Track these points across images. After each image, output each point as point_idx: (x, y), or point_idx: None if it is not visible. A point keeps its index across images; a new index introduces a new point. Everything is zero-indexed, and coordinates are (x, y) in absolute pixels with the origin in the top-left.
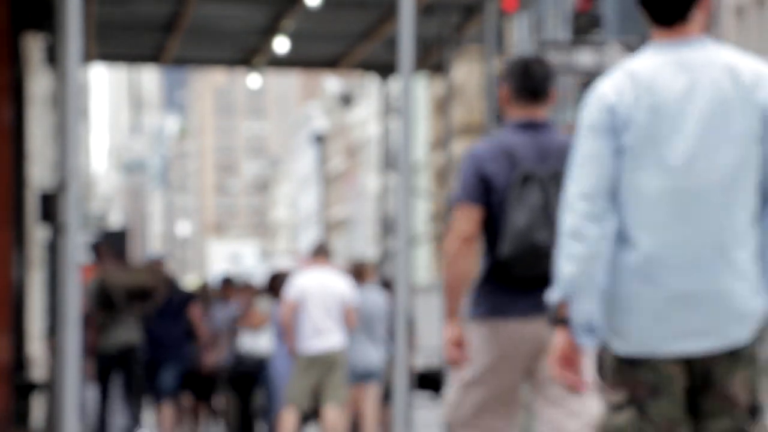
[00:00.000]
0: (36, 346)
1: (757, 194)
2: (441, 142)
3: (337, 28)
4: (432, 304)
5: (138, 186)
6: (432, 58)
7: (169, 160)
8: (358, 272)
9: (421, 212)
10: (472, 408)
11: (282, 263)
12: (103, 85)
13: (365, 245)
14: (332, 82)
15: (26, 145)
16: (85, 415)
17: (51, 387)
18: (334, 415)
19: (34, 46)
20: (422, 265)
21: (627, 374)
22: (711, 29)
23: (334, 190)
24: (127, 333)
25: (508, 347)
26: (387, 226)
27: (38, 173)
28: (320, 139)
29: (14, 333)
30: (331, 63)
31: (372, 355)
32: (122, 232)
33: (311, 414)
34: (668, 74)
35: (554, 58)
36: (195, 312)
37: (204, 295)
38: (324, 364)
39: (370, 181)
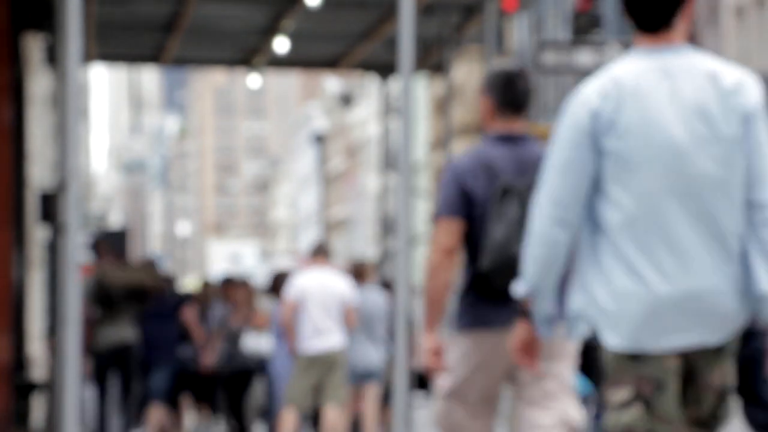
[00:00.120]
0: (36, 346)
1: (742, 194)
2: (441, 142)
3: (337, 28)
4: None
5: (138, 186)
6: (432, 58)
7: (169, 160)
8: (358, 272)
9: (421, 212)
10: (460, 416)
11: (282, 263)
12: (103, 85)
13: (365, 245)
14: (332, 82)
15: (26, 145)
16: (84, 415)
17: (51, 387)
18: (334, 415)
19: (34, 46)
20: (422, 265)
21: (630, 370)
22: (711, 29)
23: (334, 190)
24: (123, 332)
25: (490, 357)
26: (387, 226)
27: (38, 173)
28: (320, 139)
29: (14, 333)
30: (331, 63)
31: (372, 355)
32: (122, 232)
33: (312, 414)
34: (652, 79)
35: (554, 58)
36: (188, 313)
37: (205, 295)
38: (324, 364)
39: (370, 181)
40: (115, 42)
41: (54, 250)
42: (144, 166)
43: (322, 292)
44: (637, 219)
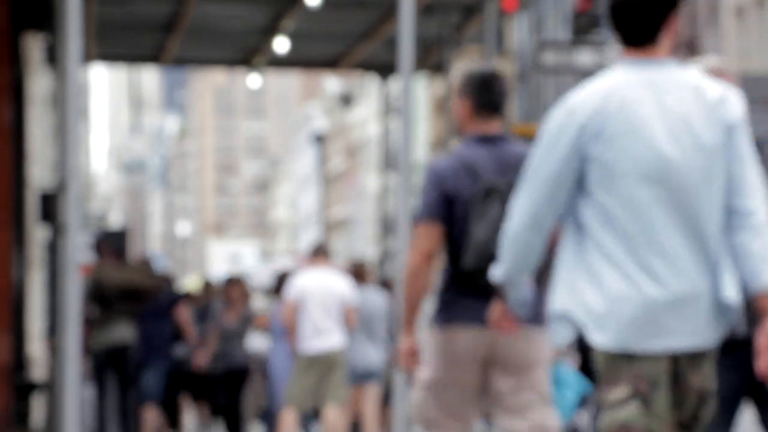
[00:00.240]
0: (36, 346)
1: (722, 202)
2: (441, 142)
3: (337, 28)
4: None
5: (138, 186)
6: (432, 58)
7: (169, 160)
8: (358, 272)
9: None
10: (436, 408)
11: (282, 263)
12: (103, 85)
13: (365, 245)
14: (332, 82)
15: (26, 145)
16: (83, 415)
17: (51, 387)
18: (334, 415)
19: (34, 46)
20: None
21: (625, 369)
22: (711, 29)
23: (334, 190)
24: (120, 332)
25: (466, 352)
26: (387, 226)
27: (38, 173)
28: (320, 139)
29: (14, 333)
30: (331, 63)
31: (372, 355)
32: (122, 232)
33: (312, 414)
34: (639, 91)
35: (554, 58)
36: (182, 312)
37: (206, 295)
38: (324, 364)
39: (370, 181)
40: (115, 42)
41: (54, 250)
42: (144, 166)
43: (322, 292)
44: (624, 225)
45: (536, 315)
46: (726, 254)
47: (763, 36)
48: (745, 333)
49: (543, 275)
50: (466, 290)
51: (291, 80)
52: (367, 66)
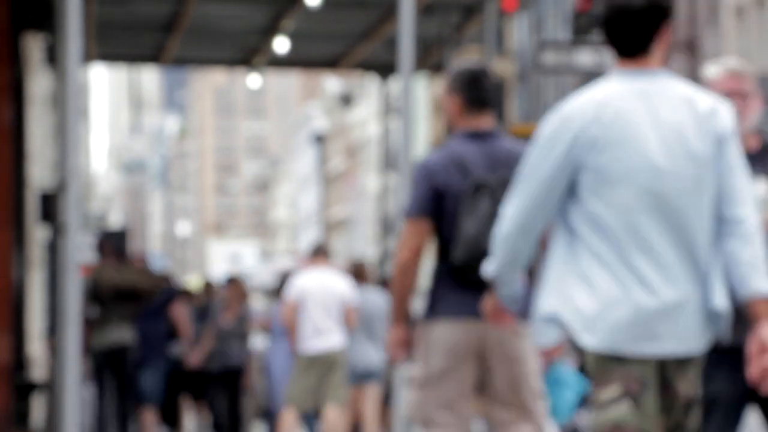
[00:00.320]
0: (36, 346)
1: (712, 211)
2: (441, 142)
3: (337, 28)
4: None
5: (138, 186)
6: (432, 58)
7: (169, 160)
8: (358, 272)
9: None
10: (434, 405)
11: (282, 263)
12: (103, 85)
13: (365, 245)
14: (332, 82)
15: (26, 145)
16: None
17: (51, 387)
18: (334, 415)
19: (34, 46)
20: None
21: (616, 369)
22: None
23: (334, 190)
24: (119, 333)
25: (459, 345)
26: (387, 226)
27: (38, 173)
28: (320, 139)
29: (14, 333)
30: (331, 63)
31: (372, 355)
32: (122, 231)
33: (314, 414)
34: (632, 101)
35: (554, 58)
36: (177, 309)
37: (207, 295)
38: (324, 364)
39: (370, 181)
40: (115, 42)
41: (54, 250)
42: (144, 166)
43: (322, 293)
44: (615, 232)
45: (527, 310)
46: (716, 262)
47: (763, 36)
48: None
49: (534, 272)
50: (457, 284)
51: (291, 80)
52: (367, 66)
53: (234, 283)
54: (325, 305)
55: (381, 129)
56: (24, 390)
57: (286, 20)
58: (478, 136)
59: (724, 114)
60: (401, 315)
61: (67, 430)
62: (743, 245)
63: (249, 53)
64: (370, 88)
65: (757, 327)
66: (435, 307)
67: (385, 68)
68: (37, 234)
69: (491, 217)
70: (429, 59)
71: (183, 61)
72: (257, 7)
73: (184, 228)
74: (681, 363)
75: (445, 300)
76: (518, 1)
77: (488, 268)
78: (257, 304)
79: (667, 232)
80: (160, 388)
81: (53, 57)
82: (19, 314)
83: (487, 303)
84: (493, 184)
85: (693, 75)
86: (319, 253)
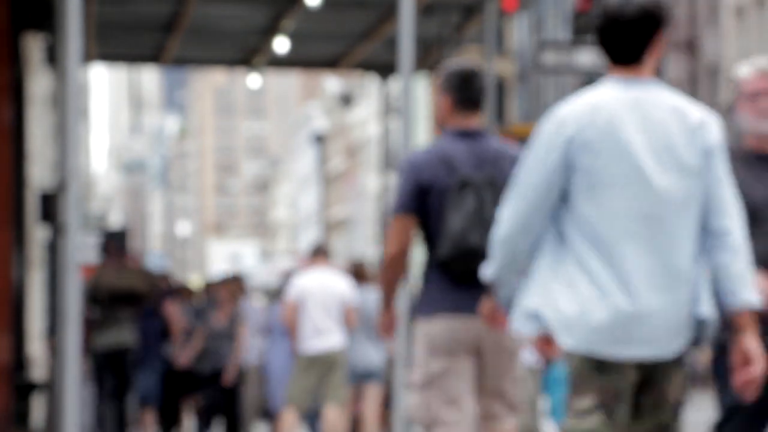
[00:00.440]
0: (36, 346)
1: (698, 220)
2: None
3: (337, 28)
4: None
5: (138, 186)
6: (432, 58)
7: (169, 160)
8: (358, 272)
9: None
10: (437, 402)
11: (282, 263)
12: (103, 85)
13: (365, 245)
14: (332, 82)
15: (26, 145)
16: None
17: (51, 387)
18: (334, 415)
19: (34, 46)
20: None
21: (594, 379)
22: (711, 29)
23: (334, 190)
24: (120, 334)
25: (455, 340)
26: (387, 226)
27: (38, 173)
28: (320, 139)
29: (14, 333)
30: (331, 63)
31: (372, 355)
32: (122, 231)
33: (312, 414)
34: (624, 108)
35: (554, 58)
36: (169, 308)
37: (208, 294)
38: (324, 364)
39: (370, 181)
40: (115, 42)
41: (54, 250)
42: (144, 166)
43: (322, 293)
44: (601, 235)
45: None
46: (702, 271)
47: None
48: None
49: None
50: (445, 280)
51: (291, 80)
52: (367, 66)
53: (225, 284)
54: (325, 305)
55: (381, 129)
56: (24, 390)
57: (286, 20)
58: (466, 135)
59: (712, 126)
60: (390, 303)
61: (67, 430)
62: (732, 258)
63: (249, 53)
64: (370, 88)
65: (742, 338)
66: (428, 305)
67: (385, 68)
68: (37, 234)
69: (476, 213)
70: (429, 59)
71: (183, 61)
72: (257, 7)
73: (184, 228)
74: (668, 366)
75: (437, 297)
76: (518, 1)
77: (486, 271)
78: (257, 304)
79: (652, 238)
80: (158, 388)
81: (53, 57)
82: (19, 314)
83: (485, 305)
84: (479, 182)
85: (693, 75)
86: (319, 253)
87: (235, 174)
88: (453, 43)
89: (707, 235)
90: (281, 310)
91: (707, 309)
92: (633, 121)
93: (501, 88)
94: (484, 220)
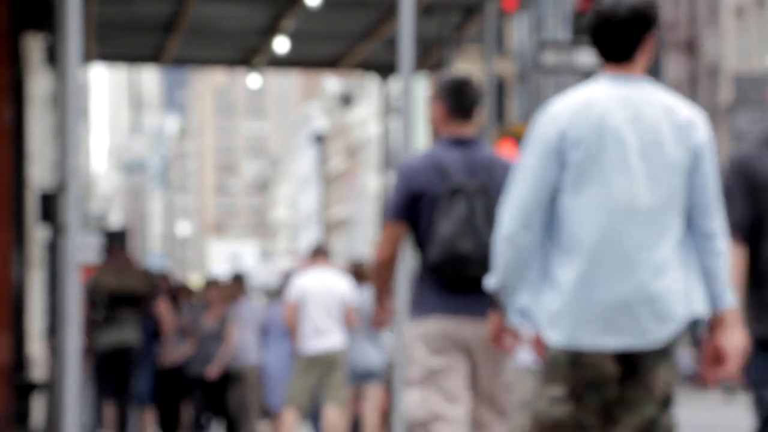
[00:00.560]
0: (36, 346)
1: (682, 217)
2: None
3: (337, 28)
4: None
5: (138, 186)
6: (432, 58)
7: (169, 160)
8: (358, 272)
9: None
10: (436, 398)
11: (282, 263)
12: (103, 85)
13: (365, 245)
14: (332, 82)
15: (26, 145)
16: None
17: (51, 387)
18: (334, 415)
19: (34, 46)
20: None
21: (567, 372)
22: (711, 29)
23: (334, 190)
24: (121, 333)
25: (447, 339)
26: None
27: (38, 173)
28: (320, 139)
29: (14, 333)
30: (331, 63)
31: (372, 355)
32: (123, 231)
33: (312, 414)
34: (616, 105)
35: (554, 58)
36: (162, 308)
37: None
38: (324, 364)
39: (370, 181)
40: (115, 42)
41: (54, 250)
42: (144, 166)
43: (322, 293)
44: (586, 229)
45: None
46: (690, 267)
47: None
48: None
49: None
50: (436, 284)
51: (291, 80)
52: (367, 66)
53: (215, 285)
54: (325, 305)
55: (381, 129)
56: (24, 390)
57: (286, 20)
58: (460, 143)
59: (701, 126)
60: (383, 300)
61: (67, 430)
62: (718, 262)
63: (249, 53)
64: (370, 88)
65: (719, 334)
66: (421, 307)
67: (385, 68)
68: (37, 234)
69: (467, 220)
70: (429, 59)
71: (183, 61)
72: (257, 7)
73: (184, 228)
74: (651, 357)
75: (429, 299)
76: (518, 1)
77: (491, 281)
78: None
79: (635, 232)
80: (150, 388)
81: (53, 57)
82: (19, 314)
83: (492, 324)
84: (470, 189)
85: (693, 75)
86: (319, 253)
87: (235, 174)
88: (453, 43)
89: (694, 234)
90: (281, 310)
91: (696, 305)
92: (624, 117)
93: (501, 88)
94: (474, 227)
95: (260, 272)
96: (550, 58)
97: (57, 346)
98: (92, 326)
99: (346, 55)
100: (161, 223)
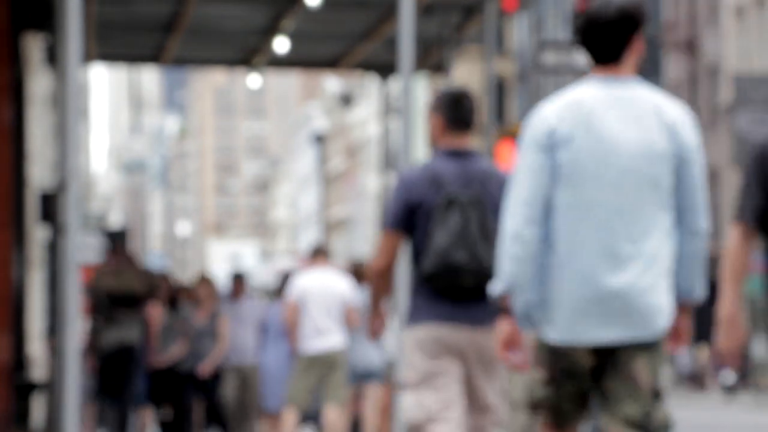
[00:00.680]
0: (36, 346)
1: (669, 212)
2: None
3: (337, 28)
4: None
5: (138, 186)
6: (432, 58)
7: (169, 160)
8: (358, 272)
9: None
10: (434, 402)
11: (282, 263)
12: (103, 85)
13: (365, 245)
14: (332, 82)
15: (26, 145)
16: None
17: (51, 387)
18: (334, 415)
19: (34, 46)
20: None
21: (549, 360)
22: (711, 29)
23: (334, 190)
24: (121, 332)
25: (446, 344)
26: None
27: (38, 173)
28: (320, 139)
29: (14, 333)
30: (331, 63)
31: (372, 355)
32: (123, 231)
33: (312, 414)
34: (604, 105)
35: (554, 58)
36: (152, 310)
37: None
38: (324, 364)
39: (370, 181)
40: (115, 42)
41: (54, 250)
42: (144, 166)
43: (322, 293)
44: (575, 226)
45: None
46: (667, 262)
47: (763, 36)
48: None
49: None
50: (431, 293)
51: (291, 80)
52: (367, 66)
53: (205, 283)
54: (325, 305)
55: (381, 129)
56: (24, 390)
57: (286, 20)
58: (456, 155)
59: (688, 126)
60: (378, 307)
61: (67, 430)
62: (699, 258)
63: (249, 53)
64: (370, 88)
65: (682, 319)
66: (415, 314)
67: (385, 68)
68: (37, 234)
69: (461, 231)
70: (429, 59)
71: (183, 61)
72: (257, 7)
73: (184, 228)
74: (633, 350)
75: (423, 307)
76: (518, 1)
77: (497, 285)
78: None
79: (624, 227)
80: (145, 387)
81: (53, 57)
82: (19, 314)
83: (501, 329)
84: (465, 201)
85: (693, 75)
86: (319, 254)
87: (235, 174)
88: (453, 43)
89: (682, 231)
90: (280, 310)
91: (664, 297)
92: (612, 116)
93: (501, 88)
94: (468, 238)
95: (260, 272)
96: (550, 58)
97: (57, 346)
98: (95, 326)
99: (346, 55)
100: (161, 223)
